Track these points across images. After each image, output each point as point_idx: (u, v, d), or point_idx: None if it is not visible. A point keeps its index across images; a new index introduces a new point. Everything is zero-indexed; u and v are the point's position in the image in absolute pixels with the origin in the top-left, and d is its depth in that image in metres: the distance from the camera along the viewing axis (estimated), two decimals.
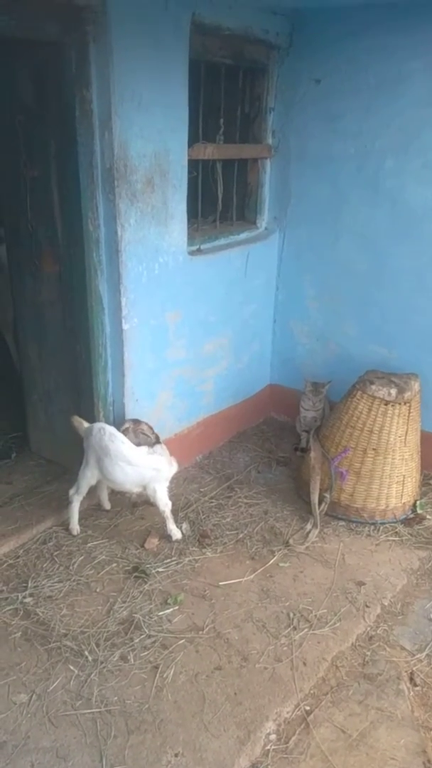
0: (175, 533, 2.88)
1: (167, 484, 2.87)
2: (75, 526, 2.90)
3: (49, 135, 2.67)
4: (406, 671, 2.27)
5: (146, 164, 2.71)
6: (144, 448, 2.84)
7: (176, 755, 1.93)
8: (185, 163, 2.91)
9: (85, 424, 2.83)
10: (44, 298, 3.02)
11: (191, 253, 3.15)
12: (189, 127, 2.87)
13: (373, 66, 3.09)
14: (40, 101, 2.64)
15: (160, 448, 2.91)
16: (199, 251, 3.24)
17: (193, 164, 3.04)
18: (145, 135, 2.66)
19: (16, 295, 3.19)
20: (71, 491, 2.87)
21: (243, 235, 3.60)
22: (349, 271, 3.51)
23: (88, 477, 2.82)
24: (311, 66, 3.29)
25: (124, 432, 2.88)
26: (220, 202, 3.43)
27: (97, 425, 2.77)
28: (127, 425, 2.96)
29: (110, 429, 2.75)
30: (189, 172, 2.97)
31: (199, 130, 3.06)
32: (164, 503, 2.84)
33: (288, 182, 3.59)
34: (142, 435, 2.96)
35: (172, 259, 3.01)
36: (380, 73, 3.08)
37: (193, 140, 2.98)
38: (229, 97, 3.24)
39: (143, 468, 2.77)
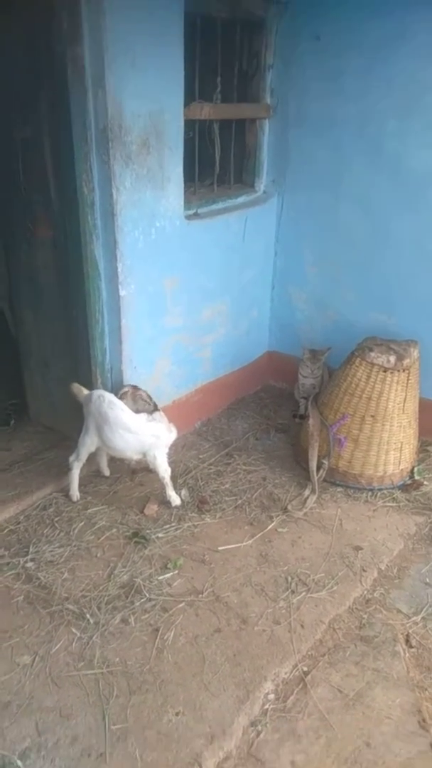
0: (175, 499, 2.90)
1: (166, 451, 2.88)
2: (75, 493, 2.92)
3: (41, 94, 2.59)
4: (402, 633, 2.32)
5: (141, 125, 2.64)
6: (143, 416, 2.84)
7: (177, 714, 1.98)
8: (181, 123, 2.84)
9: (85, 392, 2.82)
10: (39, 264, 2.98)
11: (188, 217, 3.10)
12: (185, 85, 2.78)
13: (374, 22, 2.98)
14: (32, 58, 2.55)
15: (159, 415, 2.92)
16: (196, 215, 3.18)
17: (189, 125, 2.96)
18: (140, 94, 2.58)
19: (11, 261, 3.14)
20: (71, 458, 2.88)
21: (241, 199, 3.53)
22: (349, 237, 3.45)
23: (88, 444, 2.82)
24: (311, 21, 3.18)
25: (123, 396, 2.88)
26: (217, 164, 3.36)
27: (97, 392, 2.76)
28: (126, 389, 2.95)
29: (109, 396, 2.74)
30: (185, 133, 2.89)
31: (196, 89, 2.97)
32: (163, 470, 2.86)
33: (287, 144, 3.50)
34: (141, 401, 2.96)
35: (168, 224, 2.95)
36: (382, 31, 2.97)
37: (189, 100, 2.89)
38: (226, 54, 3.14)
39: (143, 435, 2.77)
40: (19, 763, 1.81)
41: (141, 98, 2.59)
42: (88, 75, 2.45)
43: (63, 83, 2.48)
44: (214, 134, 3.27)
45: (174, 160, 2.86)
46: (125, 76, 2.49)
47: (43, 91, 2.58)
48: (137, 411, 2.86)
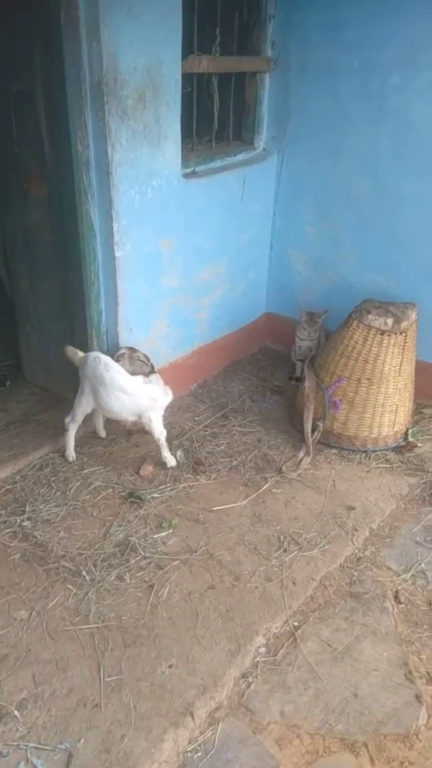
0: (170, 460, 2.93)
1: (162, 412, 2.89)
2: (71, 453, 2.94)
3: (34, 44, 2.52)
4: (391, 590, 2.37)
5: (137, 78, 2.56)
6: (139, 378, 2.84)
7: (170, 666, 2.04)
8: (179, 77, 2.75)
9: (80, 354, 2.81)
10: (33, 223, 2.93)
11: (185, 176, 3.03)
12: (183, 37, 2.69)
13: None
14: (24, 6, 2.46)
15: (156, 377, 2.92)
16: (193, 174, 3.12)
17: (187, 79, 2.87)
18: (136, 46, 2.50)
19: (5, 219, 3.09)
20: (67, 419, 2.89)
21: (240, 157, 3.45)
22: (349, 196, 3.39)
23: (84, 405, 2.83)
24: None
25: (120, 357, 2.88)
26: (216, 120, 3.27)
27: (92, 355, 2.75)
28: (123, 351, 2.94)
29: (105, 359, 2.74)
30: (183, 88, 2.81)
31: (194, 41, 2.87)
32: (159, 431, 2.87)
33: (288, 98, 3.41)
34: (138, 362, 2.95)
35: (165, 183, 2.90)
36: None
37: (187, 52, 2.80)
38: (226, 3, 3.03)
39: (139, 397, 2.78)
40: (17, 713, 1.88)
41: (137, 50, 2.51)
42: (82, 25, 2.37)
43: (56, 33, 2.40)
44: (212, 89, 3.18)
45: (171, 116, 2.79)
46: (120, 27, 2.41)
47: (37, 41, 2.50)
48: (134, 373, 2.86)
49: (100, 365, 2.70)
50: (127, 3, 2.40)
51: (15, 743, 1.80)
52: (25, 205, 2.91)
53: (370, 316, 2.92)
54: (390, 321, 2.89)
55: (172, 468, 2.93)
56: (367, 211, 3.36)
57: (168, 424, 2.96)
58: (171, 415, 3.28)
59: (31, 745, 1.80)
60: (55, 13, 2.37)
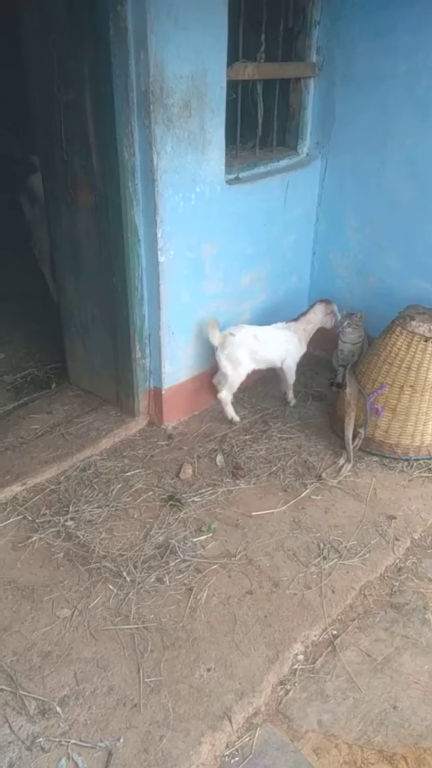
0: (291, 400, 3.46)
1: (298, 358, 3.37)
2: (235, 416, 3.30)
3: (84, 56, 2.57)
4: None
5: (183, 86, 2.60)
6: (281, 326, 3.32)
7: (208, 670, 2.05)
8: (224, 84, 2.77)
9: (217, 336, 3.12)
10: (80, 230, 3.00)
11: (229, 182, 3.06)
12: (228, 44, 2.71)
13: None
14: (74, 19, 2.52)
15: (295, 326, 3.33)
16: (237, 180, 3.14)
17: (231, 86, 2.89)
18: (182, 54, 2.53)
19: (52, 227, 3.17)
20: (223, 394, 3.22)
21: (283, 162, 3.46)
22: (395, 201, 3.36)
23: (241, 375, 3.20)
24: None
25: (347, 318, 3.39)
26: (260, 126, 3.28)
27: (233, 330, 3.15)
28: (322, 307, 3.39)
29: (250, 331, 3.17)
30: (227, 95, 2.83)
31: (239, 48, 2.89)
32: (291, 376, 3.37)
33: (332, 104, 3.39)
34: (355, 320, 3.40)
35: (209, 189, 2.92)
36: None
37: (232, 59, 2.82)
38: (271, 10, 3.04)
39: (279, 346, 3.26)
40: (59, 709, 1.92)
41: (183, 59, 2.55)
42: (131, 35, 2.42)
43: (105, 44, 2.45)
44: (257, 95, 3.19)
45: (216, 123, 2.82)
46: (168, 36, 2.45)
47: (86, 52, 2.55)
48: (327, 323, 3.39)
49: (249, 334, 3.14)
50: (173, 12, 2.43)
51: (57, 739, 1.84)
52: (73, 213, 2.98)
53: (413, 323, 2.89)
54: None
55: (292, 405, 3.43)
56: (411, 216, 3.32)
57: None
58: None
59: (73, 741, 1.84)
60: (103, 25, 2.42)
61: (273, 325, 3.32)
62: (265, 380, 3.75)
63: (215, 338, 3.09)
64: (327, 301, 3.39)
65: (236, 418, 3.30)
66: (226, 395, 3.23)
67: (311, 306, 3.41)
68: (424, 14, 2.90)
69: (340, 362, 3.57)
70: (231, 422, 3.30)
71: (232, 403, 3.29)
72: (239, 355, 3.13)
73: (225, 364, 3.15)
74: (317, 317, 3.37)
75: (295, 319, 3.36)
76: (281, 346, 3.28)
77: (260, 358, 3.23)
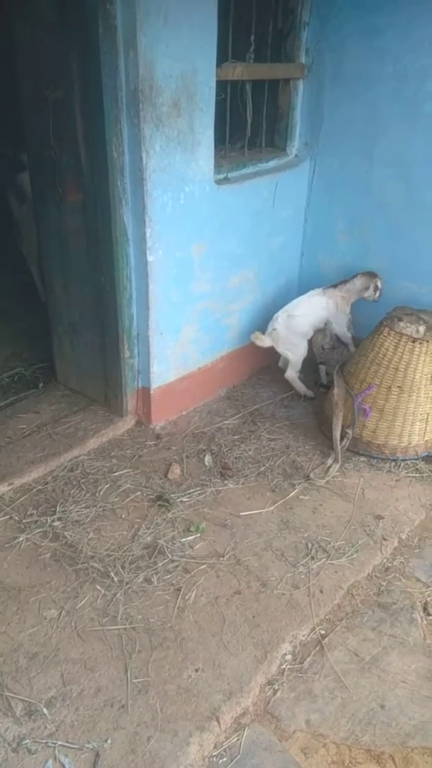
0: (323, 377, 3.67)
1: (343, 323, 3.50)
2: (308, 391, 3.51)
3: (72, 54, 2.56)
4: (420, 601, 2.34)
5: (172, 86, 2.59)
6: (316, 292, 3.45)
7: (197, 670, 2.05)
8: (213, 84, 2.77)
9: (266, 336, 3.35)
10: (68, 229, 2.98)
11: (218, 182, 3.05)
12: (218, 44, 2.71)
13: None
14: (62, 17, 2.51)
15: (331, 292, 3.44)
16: (226, 180, 3.14)
17: (221, 86, 2.89)
18: (172, 54, 2.53)
19: (40, 225, 3.15)
20: (290, 373, 3.48)
21: (272, 163, 3.46)
22: (382, 203, 3.38)
23: (303, 353, 3.43)
24: None
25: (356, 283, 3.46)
26: (249, 127, 3.29)
27: (276, 324, 3.36)
28: (363, 279, 3.42)
29: (284, 314, 3.37)
30: (217, 95, 2.83)
31: (229, 48, 2.89)
32: (342, 333, 3.50)
33: (321, 105, 3.41)
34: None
35: (198, 189, 2.92)
36: None
37: (221, 59, 2.83)
38: (260, 11, 3.04)
39: (316, 313, 3.40)
40: (45, 710, 1.91)
41: (173, 58, 2.54)
42: (120, 34, 2.41)
43: (94, 43, 2.44)
44: (246, 95, 3.20)
45: (205, 123, 2.82)
46: (157, 35, 2.44)
47: (75, 51, 2.54)
48: (368, 295, 3.42)
49: (284, 317, 3.35)
50: (163, 11, 2.43)
51: (44, 741, 1.83)
52: (61, 211, 2.96)
53: (401, 324, 2.90)
54: (422, 329, 2.87)
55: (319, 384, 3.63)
56: (399, 217, 3.34)
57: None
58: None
59: (59, 743, 1.82)
60: (92, 23, 2.41)
61: (308, 293, 3.46)
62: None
63: (266, 342, 3.36)
64: (371, 274, 3.41)
65: (309, 393, 3.53)
66: (290, 374, 3.51)
67: (353, 276, 3.45)
68: (413, 17, 2.92)
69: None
70: (305, 397, 3.52)
71: (300, 379, 3.54)
72: (290, 340, 3.39)
73: (285, 353, 3.45)
74: (355, 287, 3.43)
75: (334, 285, 3.46)
76: (318, 314, 3.42)
77: (306, 330, 3.43)
